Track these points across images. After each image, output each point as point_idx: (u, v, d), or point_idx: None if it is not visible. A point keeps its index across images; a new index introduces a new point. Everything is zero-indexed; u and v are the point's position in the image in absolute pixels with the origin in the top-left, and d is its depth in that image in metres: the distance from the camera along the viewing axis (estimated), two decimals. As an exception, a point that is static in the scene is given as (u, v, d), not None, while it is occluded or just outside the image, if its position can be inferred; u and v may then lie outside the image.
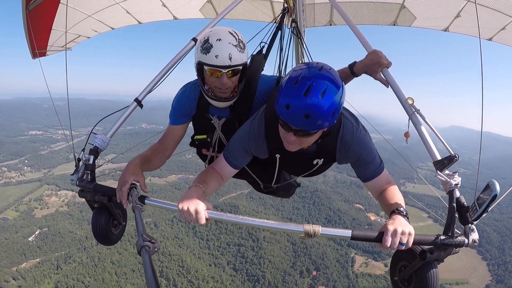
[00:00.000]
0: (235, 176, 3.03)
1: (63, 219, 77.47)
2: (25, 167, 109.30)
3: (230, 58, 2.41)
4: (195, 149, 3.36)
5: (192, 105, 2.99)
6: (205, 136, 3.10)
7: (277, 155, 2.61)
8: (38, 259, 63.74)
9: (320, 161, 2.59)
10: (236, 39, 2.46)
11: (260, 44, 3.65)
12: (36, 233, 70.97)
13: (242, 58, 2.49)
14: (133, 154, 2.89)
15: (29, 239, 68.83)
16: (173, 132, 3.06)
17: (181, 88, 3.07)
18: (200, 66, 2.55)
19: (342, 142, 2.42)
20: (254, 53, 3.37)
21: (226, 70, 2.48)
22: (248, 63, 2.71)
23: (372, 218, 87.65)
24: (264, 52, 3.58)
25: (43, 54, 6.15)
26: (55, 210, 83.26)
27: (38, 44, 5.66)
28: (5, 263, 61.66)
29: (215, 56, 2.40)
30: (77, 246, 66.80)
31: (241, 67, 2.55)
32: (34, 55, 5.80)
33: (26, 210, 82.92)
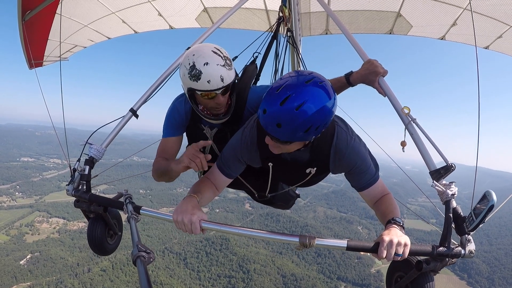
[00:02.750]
0: (231, 186, 3.09)
1: (54, 246, 76.95)
2: (17, 193, 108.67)
3: (223, 80, 2.39)
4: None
5: (186, 117, 2.98)
6: None
7: (270, 164, 2.58)
8: (29, 283, 63.10)
9: (313, 170, 2.54)
10: (222, 57, 2.42)
11: (253, 54, 3.59)
12: (28, 257, 70.39)
13: (232, 74, 2.48)
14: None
15: (21, 262, 68.29)
16: (171, 144, 3.01)
17: (173, 102, 3.02)
18: (191, 92, 2.51)
19: (336, 151, 2.37)
20: (248, 63, 3.38)
21: (220, 91, 2.46)
22: (236, 74, 2.68)
23: (361, 252, 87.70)
24: (257, 62, 3.55)
25: (40, 64, 6.17)
26: (46, 237, 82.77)
27: (35, 54, 5.68)
28: (-4, 285, 60.98)
29: (207, 82, 2.37)
30: (68, 272, 66.20)
31: (232, 83, 2.53)
32: (31, 66, 5.81)
33: (17, 235, 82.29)
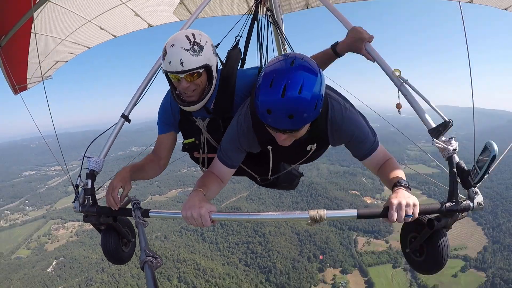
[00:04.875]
0: (239, 174, 3.09)
1: (76, 248, 78.28)
2: (27, 207, 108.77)
3: (182, 63, 2.38)
4: (189, 163, 4.55)
5: (176, 112, 2.96)
6: (193, 139, 3.07)
7: (269, 147, 2.56)
8: (60, 287, 64.85)
9: (314, 146, 2.54)
10: (190, 42, 2.42)
11: (235, 38, 3.52)
12: (54, 263, 71.70)
13: (197, 61, 2.44)
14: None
15: (48, 270, 69.56)
16: (163, 141, 3.05)
17: (164, 97, 3.03)
18: (165, 73, 2.57)
19: (332, 124, 2.35)
20: (231, 48, 3.28)
21: (183, 75, 2.46)
22: (215, 61, 2.64)
23: (369, 201, 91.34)
24: (240, 45, 3.48)
25: (24, 88, 6.01)
26: (66, 241, 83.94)
27: (17, 79, 5.50)
28: (29, 297, 62.42)
29: (169, 63, 2.41)
30: (95, 268, 67.87)
31: (201, 70, 2.50)
32: (15, 91, 5.64)
33: (37, 247, 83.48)
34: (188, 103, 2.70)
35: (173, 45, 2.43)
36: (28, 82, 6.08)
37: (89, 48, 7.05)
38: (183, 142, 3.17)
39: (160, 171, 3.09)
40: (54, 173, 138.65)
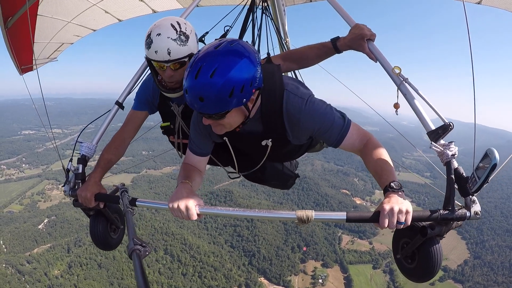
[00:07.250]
0: (213, 163, 3.15)
1: (68, 209, 78.75)
2: (24, 165, 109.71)
3: (169, 53, 2.40)
4: None
5: (156, 94, 3.01)
6: (168, 123, 3.16)
7: (225, 138, 2.50)
8: (49, 244, 67.03)
9: (269, 142, 2.44)
10: (177, 32, 2.43)
11: (224, 28, 3.45)
12: (45, 221, 73.95)
13: (183, 50, 2.46)
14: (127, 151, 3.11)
15: (39, 226, 71.80)
16: (135, 117, 3.08)
17: (147, 75, 3.07)
18: (148, 60, 2.60)
19: (289, 119, 2.25)
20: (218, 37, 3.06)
21: (168, 64, 2.48)
22: (198, 49, 2.59)
23: (358, 202, 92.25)
24: (228, 36, 3.32)
25: (30, 69, 6.00)
26: (58, 202, 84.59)
27: (23, 60, 5.53)
28: (18, 249, 64.21)
29: (155, 52, 2.42)
30: (85, 231, 68.18)
31: (186, 59, 2.51)
32: (21, 72, 5.66)
33: (30, 203, 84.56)
34: (170, 89, 2.78)
35: (159, 34, 2.43)
36: (33, 63, 6.00)
37: (94, 30, 7.04)
38: (160, 126, 3.29)
39: (124, 151, 3.11)
40: (53, 136, 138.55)
